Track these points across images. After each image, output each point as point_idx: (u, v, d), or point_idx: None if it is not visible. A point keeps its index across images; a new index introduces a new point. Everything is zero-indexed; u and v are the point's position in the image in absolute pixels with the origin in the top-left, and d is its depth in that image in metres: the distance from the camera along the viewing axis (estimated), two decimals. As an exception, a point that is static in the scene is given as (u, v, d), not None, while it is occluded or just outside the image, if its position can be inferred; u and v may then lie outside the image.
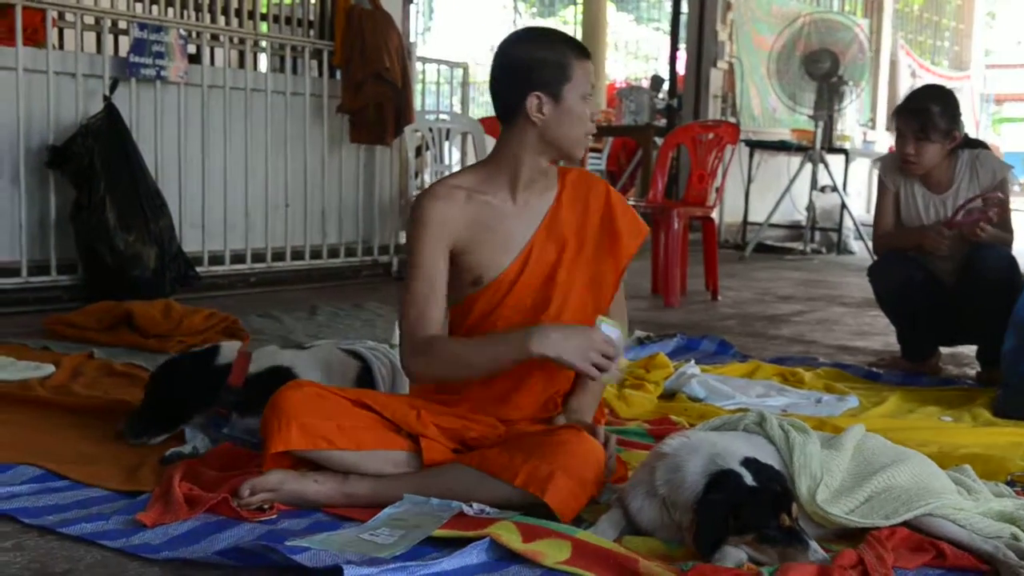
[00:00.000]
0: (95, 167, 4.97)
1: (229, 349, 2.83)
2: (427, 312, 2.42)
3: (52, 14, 5.18)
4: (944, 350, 4.29)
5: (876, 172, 4.35)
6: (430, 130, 6.83)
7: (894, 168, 4.12)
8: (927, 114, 3.87)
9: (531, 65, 2.42)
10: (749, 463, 2.01)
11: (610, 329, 2.34)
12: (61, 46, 5.96)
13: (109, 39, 5.62)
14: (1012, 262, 3.80)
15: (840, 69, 8.84)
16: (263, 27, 6.50)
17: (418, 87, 7.48)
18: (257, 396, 2.52)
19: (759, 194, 9.83)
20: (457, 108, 8.07)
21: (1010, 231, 3.95)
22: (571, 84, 2.41)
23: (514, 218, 2.48)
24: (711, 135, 6.40)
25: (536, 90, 2.40)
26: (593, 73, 2.48)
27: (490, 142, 6.97)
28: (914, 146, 3.92)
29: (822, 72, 8.80)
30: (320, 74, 6.46)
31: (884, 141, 12.65)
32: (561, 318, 2.44)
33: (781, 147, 9.96)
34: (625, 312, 2.67)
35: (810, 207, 9.50)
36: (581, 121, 2.44)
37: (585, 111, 2.45)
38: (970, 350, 4.27)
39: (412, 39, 7.43)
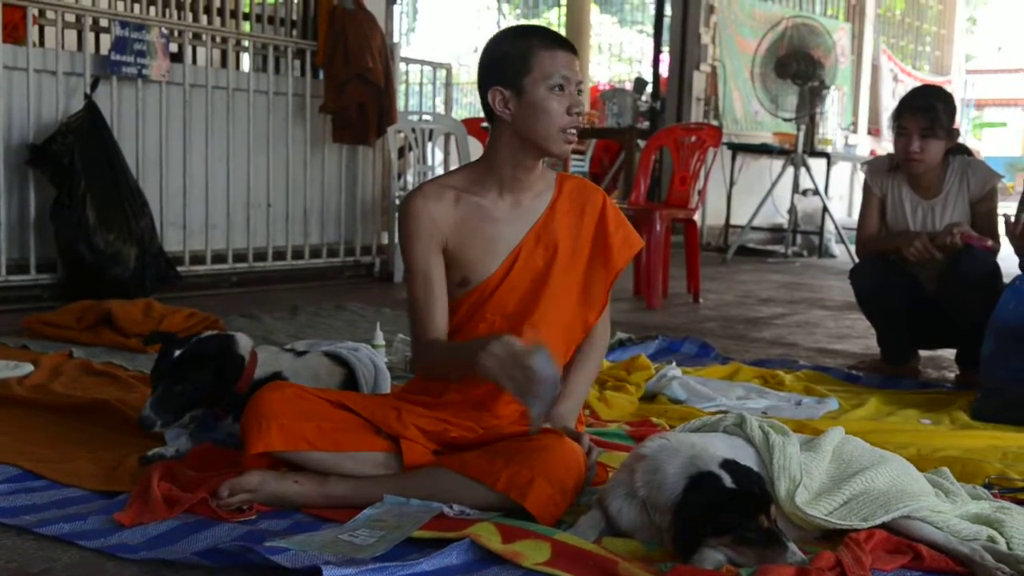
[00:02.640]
0: (75, 166, 4.95)
1: (244, 344, 2.75)
2: (427, 313, 2.42)
3: (33, 11, 5.16)
4: (923, 353, 4.31)
5: (862, 175, 4.35)
6: (413, 131, 6.82)
7: (881, 172, 4.12)
8: (934, 111, 3.86)
9: (492, 60, 2.40)
10: (728, 465, 2.02)
11: (545, 365, 2.13)
12: (42, 44, 5.93)
13: (90, 37, 5.59)
14: (994, 267, 3.81)
15: (821, 73, 8.88)
16: (246, 26, 6.48)
17: (401, 88, 7.48)
18: None
19: (741, 197, 9.86)
20: (440, 109, 8.06)
21: (996, 238, 3.97)
22: (532, 75, 2.33)
23: (504, 221, 2.46)
24: (693, 138, 6.42)
25: (497, 85, 2.38)
26: (568, 64, 2.35)
27: (473, 143, 6.99)
28: (920, 143, 3.89)
29: (791, 73, 8.84)
30: (303, 74, 6.45)
31: (865, 145, 12.71)
32: (544, 325, 2.42)
33: (763, 150, 10.00)
34: (608, 324, 2.66)
35: (792, 210, 9.54)
36: (548, 114, 2.34)
37: (553, 103, 2.33)
38: (949, 353, 4.30)
39: (395, 39, 7.41)
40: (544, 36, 2.38)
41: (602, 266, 2.53)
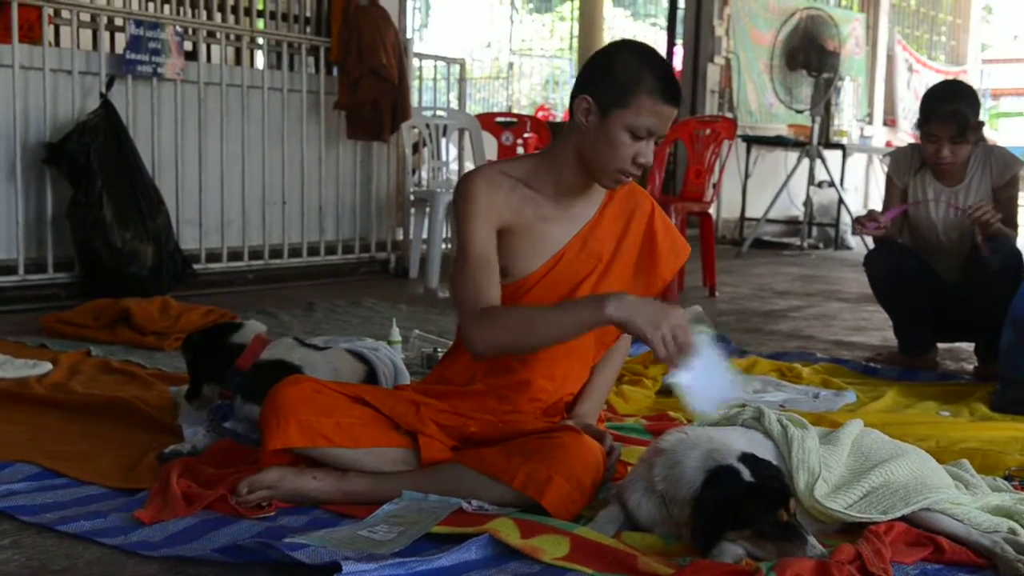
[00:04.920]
0: (92, 164, 4.97)
1: (250, 329, 2.85)
2: (483, 284, 2.33)
3: (48, 11, 5.17)
4: (941, 345, 4.29)
5: (878, 167, 4.37)
6: (427, 126, 6.82)
7: (904, 163, 4.12)
8: (962, 116, 3.84)
9: (603, 70, 2.34)
10: (747, 459, 2.01)
11: (702, 335, 2.15)
12: (57, 43, 5.95)
13: (105, 36, 5.61)
14: (1016, 260, 3.79)
15: (835, 63, 8.85)
16: (259, 24, 6.49)
17: (415, 83, 7.48)
18: (260, 384, 2.51)
19: (756, 190, 9.83)
20: (454, 104, 8.06)
21: (1015, 227, 3.95)
22: (623, 111, 2.28)
23: (553, 220, 2.45)
24: (708, 130, 6.40)
25: (589, 94, 2.33)
26: (664, 119, 2.30)
27: (487, 138, 6.98)
28: (950, 148, 3.89)
29: (800, 64, 8.82)
30: (317, 71, 6.46)
31: (881, 136, 12.64)
32: None
33: (778, 142, 9.97)
34: (628, 340, 2.64)
35: (807, 202, 9.50)
36: (615, 153, 2.31)
37: (626, 146, 2.30)
38: (967, 345, 4.28)
39: (409, 35, 7.41)
40: (658, 81, 2.29)
41: (647, 277, 2.51)
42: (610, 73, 2.32)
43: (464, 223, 2.38)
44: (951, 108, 3.86)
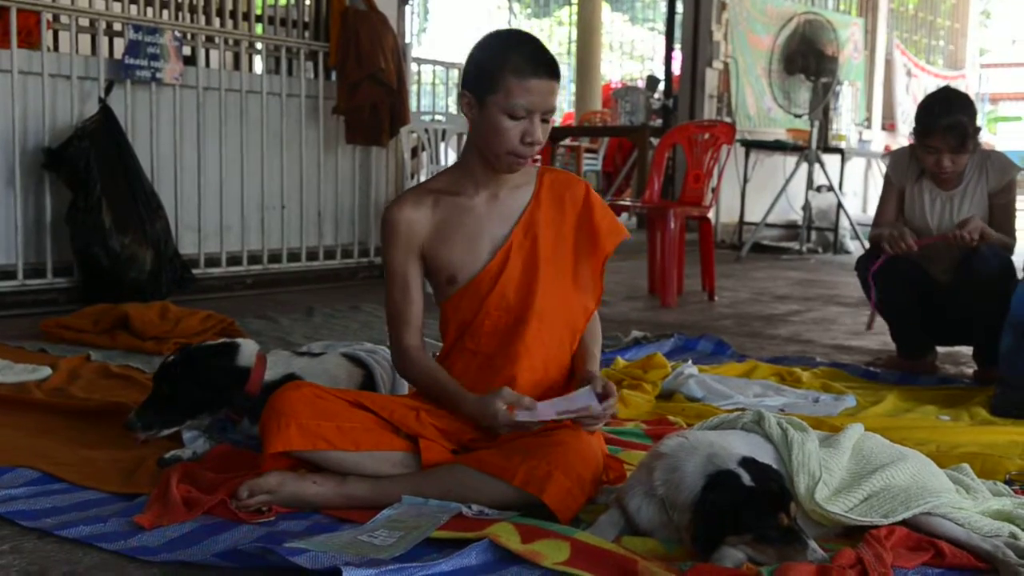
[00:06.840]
0: (91, 169, 4.97)
1: (248, 350, 2.77)
2: (402, 317, 2.51)
3: (47, 16, 5.18)
4: (941, 349, 4.29)
5: (877, 171, 4.36)
6: (426, 131, 6.83)
7: (902, 164, 4.11)
8: (962, 128, 3.83)
9: (470, 64, 2.42)
10: (747, 463, 2.01)
11: (541, 407, 2.29)
12: (56, 48, 5.96)
13: (104, 41, 5.61)
14: (1007, 263, 3.79)
15: (833, 68, 8.86)
16: (258, 29, 6.49)
17: (413, 88, 7.48)
18: None
19: (755, 194, 9.83)
20: (452, 109, 8.07)
21: (1012, 236, 3.95)
22: (496, 96, 2.32)
23: (486, 217, 2.48)
24: (707, 135, 6.40)
25: (467, 89, 2.40)
26: (538, 93, 2.31)
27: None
28: (951, 159, 3.88)
29: (798, 68, 8.83)
30: (315, 75, 6.46)
31: (880, 140, 12.66)
32: (546, 315, 2.44)
33: (777, 147, 9.97)
34: (598, 325, 2.64)
35: (806, 207, 9.51)
36: (499, 137, 2.34)
37: (508, 128, 2.33)
38: (967, 349, 4.27)
39: (407, 40, 7.41)
40: (521, 59, 2.32)
41: (590, 252, 2.53)
42: (477, 64, 2.39)
43: (385, 253, 2.54)
44: (951, 120, 3.84)
